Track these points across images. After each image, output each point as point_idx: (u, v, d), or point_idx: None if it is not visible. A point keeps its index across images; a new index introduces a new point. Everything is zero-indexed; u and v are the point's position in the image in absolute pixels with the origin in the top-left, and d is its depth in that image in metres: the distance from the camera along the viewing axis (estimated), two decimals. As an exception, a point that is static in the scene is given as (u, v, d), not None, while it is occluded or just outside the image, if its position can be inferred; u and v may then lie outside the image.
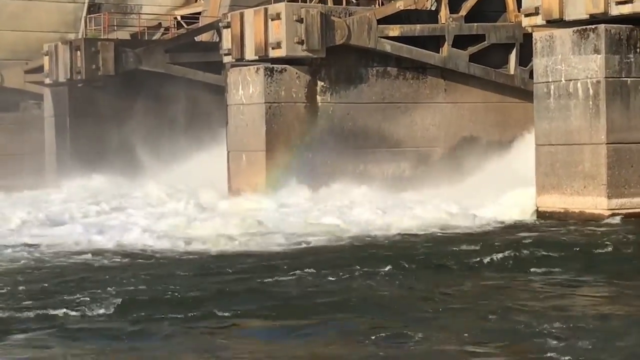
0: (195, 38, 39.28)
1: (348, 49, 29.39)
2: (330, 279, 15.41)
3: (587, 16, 23.08)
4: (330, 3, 33.22)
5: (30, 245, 19.90)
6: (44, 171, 39.31)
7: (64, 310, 12.89)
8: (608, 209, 22.73)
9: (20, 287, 14.86)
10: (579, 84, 23.27)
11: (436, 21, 30.45)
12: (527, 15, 24.46)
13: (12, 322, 12.41)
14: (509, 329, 11.76)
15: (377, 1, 33.01)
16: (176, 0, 44.01)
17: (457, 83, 30.64)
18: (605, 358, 10.50)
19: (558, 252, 17.92)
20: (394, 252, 18.31)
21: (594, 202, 22.96)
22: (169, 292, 14.25)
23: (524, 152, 26.78)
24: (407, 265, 16.53)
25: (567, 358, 10.37)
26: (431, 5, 30.73)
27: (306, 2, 30.82)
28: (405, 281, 15.32)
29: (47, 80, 39.12)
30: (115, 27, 41.44)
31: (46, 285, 15.13)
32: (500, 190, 25.31)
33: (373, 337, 11.39)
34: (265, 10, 29.06)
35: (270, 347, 11.31)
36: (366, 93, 29.83)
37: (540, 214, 23.81)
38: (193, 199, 27.82)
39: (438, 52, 30.28)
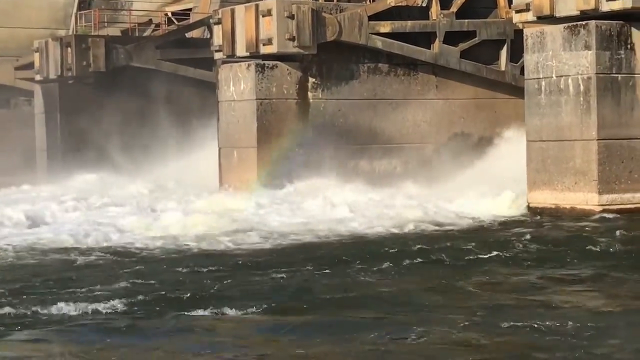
0: (186, 34, 39.27)
1: (339, 46, 29.41)
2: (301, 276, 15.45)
3: (578, 12, 23.14)
4: (321, 0, 33.20)
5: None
6: (34, 168, 39.24)
7: (43, 309, 12.91)
8: (599, 205, 22.81)
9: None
10: (569, 80, 23.34)
11: (427, 17, 30.48)
12: (518, 12, 24.52)
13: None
14: (504, 324, 11.81)
15: (368, -3, 33.01)
16: (167, -4, 43.93)
17: (448, 79, 30.68)
18: (598, 353, 10.55)
19: (549, 248, 18.02)
20: (377, 250, 18.38)
21: (584, 198, 23.03)
22: (160, 290, 14.25)
23: (515, 148, 26.85)
24: (387, 263, 16.57)
25: (561, 354, 10.43)
26: (422, 2, 30.76)
27: (297, -1, 30.79)
28: (394, 277, 15.37)
29: (38, 77, 39.05)
30: (106, 24, 41.37)
31: (22, 284, 14.99)
32: (491, 186, 25.37)
33: (372, 334, 11.45)
34: (256, 6, 29.06)
35: (270, 345, 11.31)
36: (357, 89, 29.86)
37: (531, 210, 23.88)
38: (177, 196, 27.80)
39: (429, 49, 30.32)
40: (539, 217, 23.11)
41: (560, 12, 23.48)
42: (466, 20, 30.50)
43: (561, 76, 23.47)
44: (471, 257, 16.99)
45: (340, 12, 29.39)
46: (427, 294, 13.91)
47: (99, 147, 36.93)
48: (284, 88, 29.12)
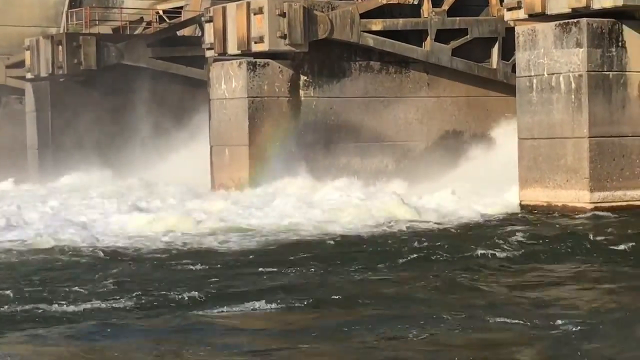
0: (177, 32, 39.24)
1: (331, 43, 29.41)
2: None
3: (569, 10, 23.17)
4: (312, -3, 33.15)
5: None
6: (26, 166, 39.16)
7: (31, 309, 12.88)
8: (590, 202, 22.84)
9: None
10: (561, 78, 23.36)
11: (419, 15, 30.49)
12: (509, 9, 24.55)
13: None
14: (498, 321, 11.83)
15: (360, -5, 32.99)
16: (158, -6, 43.87)
17: (439, 77, 30.69)
18: (590, 349, 10.58)
19: (541, 246, 18.04)
20: (371, 248, 18.38)
21: (576, 195, 23.06)
22: (149, 289, 14.23)
23: (507, 145, 26.88)
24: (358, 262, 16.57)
25: (553, 351, 10.45)
26: (414, 0, 30.75)
27: (289, -3, 30.76)
28: (388, 275, 15.38)
29: (29, 75, 38.97)
30: (97, 22, 41.30)
31: (6, 285, 14.82)
32: (482, 184, 25.39)
33: (372, 333, 11.48)
34: (248, 4, 29.04)
35: (270, 343, 11.30)
36: (349, 87, 29.85)
37: (523, 208, 23.90)
38: (163, 195, 27.77)
39: (421, 46, 30.33)
40: (530, 214, 23.13)
41: (552, 10, 23.50)
42: (458, 18, 30.52)
43: (553, 74, 23.50)
44: (462, 255, 16.98)
45: (331, 10, 29.39)
46: (420, 292, 13.90)
47: (90, 145, 36.89)
48: (275, 86, 29.10)
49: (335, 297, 13.37)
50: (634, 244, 17.84)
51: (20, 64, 40.35)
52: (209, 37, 30.40)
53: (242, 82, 28.97)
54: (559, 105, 23.38)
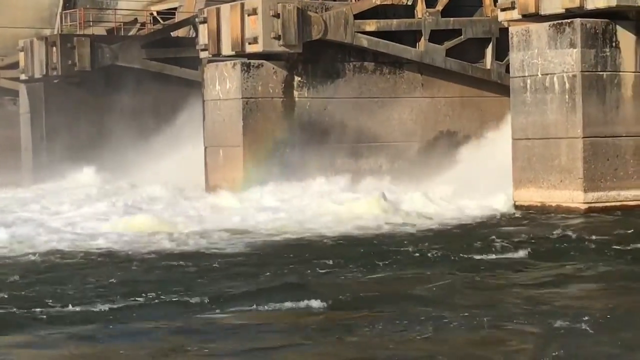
0: (171, 33, 39.20)
1: (325, 44, 29.37)
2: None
3: (563, 10, 23.15)
4: (306, -2, 33.13)
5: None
6: (20, 168, 39.10)
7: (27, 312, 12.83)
8: (584, 203, 22.83)
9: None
10: (555, 78, 23.35)
11: (413, 16, 30.46)
12: (503, 10, 24.52)
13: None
14: (494, 321, 11.82)
15: (354, -4, 32.97)
16: (152, -5, 43.83)
17: (434, 78, 30.67)
18: (584, 347, 10.57)
19: (535, 246, 17.99)
20: (368, 248, 18.36)
21: (570, 195, 23.05)
22: (144, 291, 14.19)
23: (500, 146, 26.85)
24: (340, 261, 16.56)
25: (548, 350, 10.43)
26: (407, 0, 30.73)
27: (283, -3, 30.72)
28: (384, 275, 15.36)
29: (23, 77, 38.92)
30: (91, 23, 41.26)
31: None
32: (476, 184, 25.36)
33: (370, 332, 11.46)
34: (242, 5, 28.99)
35: (272, 343, 11.27)
36: (343, 88, 29.82)
37: (517, 208, 23.89)
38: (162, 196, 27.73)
39: (415, 47, 30.31)
40: (524, 214, 23.11)
41: (546, 10, 23.49)
42: (452, 19, 30.50)
43: (546, 74, 23.48)
44: (458, 256, 16.95)
45: (325, 10, 29.35)
46: (417, 292, 13.88)
47: (84, 146, 36.83)
48: (269, 87, 29.07)
49: (333, 297, 13.33)
50: (628, 244, 17.84)
51: (15, 65, 40.30)
52: (203, 38, 30.36)
53: (236, 83, 28.93)
54: (553, 105, 23.37)
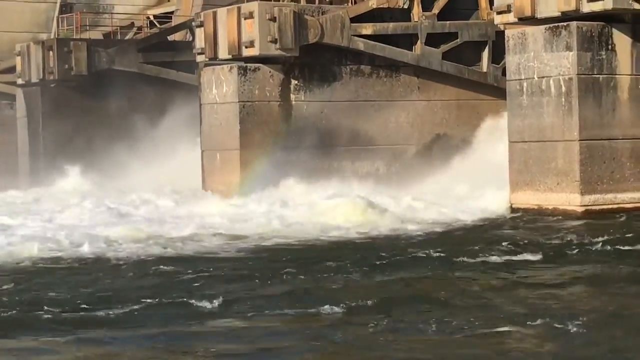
0: (168, 37, 39.15)
1: (321, 48, 29.34)
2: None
3: (559, 13, 23.14)
4: (303, 2, 33.10)
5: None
6: (17, 172, 39.04)
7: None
8: (581, 205, 22.81)
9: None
10: (551, 81, 23.33)
11: (409, 19, 30.43)
12: (499, 13, 24.51)
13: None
14: (489, 321, 11.80)
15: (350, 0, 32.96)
16: (148, -1, 43.85)
17: (430, 81, 30.65)
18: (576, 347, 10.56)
19: (531, 248, 17.96)
20: (364, 251, 18.32)
21: (567, 198, 23.02)
22: (145, 295, 14.15)
23: (496, 148, 26.84)
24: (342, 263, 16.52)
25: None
26: (404, 4, 30.69)
27: (279, 1, 30.73)
28: (381, 277, 15.33)
29: (20, 81, 38.88)
30: (88, 27, 41.22)
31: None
32: (473, 186, 25.35)
33: (369, 332, 11.42)
34: (238, 9, 28.97)
35: (277, 345, 11.26)
36: (340, 91, 29.80)
37: (514, 211, 23.86)
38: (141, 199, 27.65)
39: (411, 50, 30.28)
40: (521, 217, 23.09)
41: (542, 13, 23.47)
42: (448, 22, 30.48)
43: (543, 77, 23.46)
44: (457, 258, 16.94)
45: (322, 14, 29.33)
46: (415, 293, 13.89)
47: (81, 150, 36.75)
48: (266, 90, 29.04)
49: (333, 300, 13.31)
50: (625, 246, 17.84)
51: (11, 70, 40.23)
52: (199, 41, 30.33)
53: (233, 86, 28.90)
54: (550, 108, 23.35)
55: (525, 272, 15.83)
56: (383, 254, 17.53)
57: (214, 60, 29.80)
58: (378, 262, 16.66)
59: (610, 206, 22.96)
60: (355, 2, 31.82)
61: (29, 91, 38.74)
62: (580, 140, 22.93)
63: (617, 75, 23.33)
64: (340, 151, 29.73)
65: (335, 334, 11.63)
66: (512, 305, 13.02)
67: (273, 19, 28.34)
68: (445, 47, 30.39)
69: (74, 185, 34.18)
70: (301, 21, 28.82)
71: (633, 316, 12.32)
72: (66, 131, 37.20)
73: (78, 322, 12.46)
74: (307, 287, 14.61)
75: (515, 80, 24.05)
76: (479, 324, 11.77)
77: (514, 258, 17.07)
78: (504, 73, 26.51)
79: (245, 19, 28.69)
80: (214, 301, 13.41)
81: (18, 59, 38.71)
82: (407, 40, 30.28)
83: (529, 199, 23.72)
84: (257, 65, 28.99)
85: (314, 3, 31.17)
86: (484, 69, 30.78)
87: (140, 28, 41.62)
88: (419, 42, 30.21)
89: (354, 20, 29.53)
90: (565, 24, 23.05)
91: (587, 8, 22.73)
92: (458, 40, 30.48)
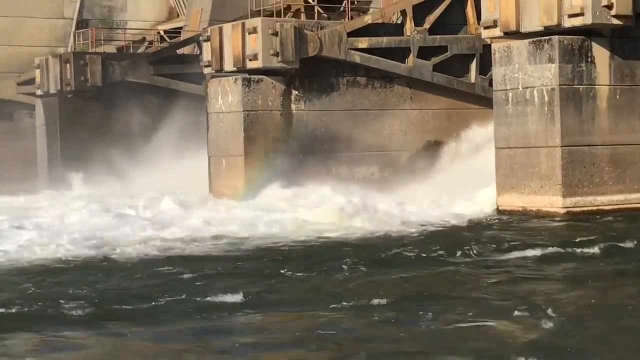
0: (177, 51, 39.19)
1: (320, 60, 29.38)
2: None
3: (542, 28, 23.16)
4: (303, 18, 33.20)
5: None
6: (36, 178, 39.04)
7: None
8: (563, 207, 22.82)
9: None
10: (535, 91, 23.34)
11: (402, 34, 30.46)
12: (486, 28, 24.52)
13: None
14: (484, 320, 11.79)
15: (347, 15, 33.01)
16: (159, 15, 43.94)
17: (422, 91, 30.67)
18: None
19: (517, 249, 17.94)
20: (360, 253, 18.30)
21: (550, 200, 23.03)
22: (151, 295, 14.11)
23: (484, 154, 26.83)
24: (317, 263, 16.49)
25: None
26: (397, 19, 30.79)
27: (281, 17, 30.80)
28: (378, 278, 15.33)
29: (39, 92, 38.92)
30: (102, 42, 41.30)
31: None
32: (461, 190, 25.33)
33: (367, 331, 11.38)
34: (243, 24, 29.05)
35: (282, 345, 11.22)
36: (337, 101, 29.84)
37: (500, 212, 23.86)
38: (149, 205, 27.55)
39: (404, 63, 30.31)
40: (507, 219, 23.08)
41: (526, 28, 23.49)
42: (438, 36, 30.50)
43: (527, 87, 23.48)
44: (443, 259, 16.92)
45: (321, 29, 29.37)
46: (412, 292, 13.86)
47: (97, 157, 36.73)
48: (269, 100, 29.08)
49: (323, 298, 13.29)
50: (604, 245, 17.82)
51: (31, 81, 40.29)
52: (206, 55, 30.38)
53: (237, 97, 28.94)
54: (533, 116, 23.36)
55: (511, 269, 15.82)
56: (380, 254, 17.52)
57: (220, 72, 29.85)
58: (375, 261, 16.63)
59: (590, 208, 22.97)
60: (351, 18, 31.89)
61: (47, 101, 38.78)
62: (562, 146, 22.94)
63: (596, 86, 23.35)
64: (338, 157, 29.75)
65: (337, 328, 11.60)
66: (500, 299, 13.03)
67: (275, 34, 28.39)
68: (435, 60, 30.41)
69: (88, 189, 34.17)
70: (301, 36, 28.86)
71: (610, 308, 12.35)
72: (82, 139, 37.21)
73: (97, 317, 12.38)
74: (308, 286, 14.59)
75: (501, 90, 24.06)
76: (470, 317, 11.76)
77: (501, 257, 17.06)
78: (490, 84, 26.50)
79: (249, 33, 28.75)
80: (228, 297, 13.37)
81: (37, 72, 38.75)
82: (400, 53, 30.31)
83: (515, 201, 23.73)
84: (260, 76, 29.02)
85: (313, 19, 31.25)
86: (472, 80, 30.81)
87: (151, 42, 41.67)
88: (411, 55, 30.23)
89: (350, 34, 29.56)
90: (547, 38, 23.07)
91: (568, 23, 22.75)
92: (448, 53, 30.51)
